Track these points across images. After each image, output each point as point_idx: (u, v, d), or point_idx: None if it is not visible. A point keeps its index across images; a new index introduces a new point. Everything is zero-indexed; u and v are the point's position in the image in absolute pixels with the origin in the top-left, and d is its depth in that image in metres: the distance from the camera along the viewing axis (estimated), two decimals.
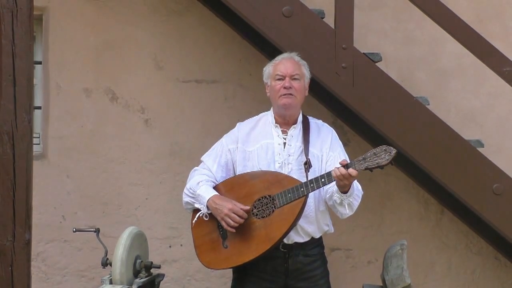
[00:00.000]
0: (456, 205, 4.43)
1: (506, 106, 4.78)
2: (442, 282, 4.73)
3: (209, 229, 3.37)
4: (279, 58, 3.47)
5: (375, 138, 4.23)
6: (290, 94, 3.35)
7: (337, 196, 3.25)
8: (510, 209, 3.95)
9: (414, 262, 4.39)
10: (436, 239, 4.80)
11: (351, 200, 3.26)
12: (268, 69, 3.46)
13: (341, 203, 3.27)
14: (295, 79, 3.37)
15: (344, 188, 3.19)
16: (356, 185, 3.27)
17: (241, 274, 3.43)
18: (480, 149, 4.04)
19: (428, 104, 4.09)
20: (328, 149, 3.43)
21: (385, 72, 4.01)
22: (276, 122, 3.45)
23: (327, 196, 3.34)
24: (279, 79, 3.37)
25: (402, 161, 4.20)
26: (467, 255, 4.81)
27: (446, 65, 4.81)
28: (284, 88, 3.34)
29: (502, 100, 4.76)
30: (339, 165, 3.14)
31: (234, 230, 3.26)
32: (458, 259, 4.81)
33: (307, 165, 3.31)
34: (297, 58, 3.45)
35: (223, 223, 3.28)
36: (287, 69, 3.38)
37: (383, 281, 3.85)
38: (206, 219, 3.37)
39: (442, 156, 3.95)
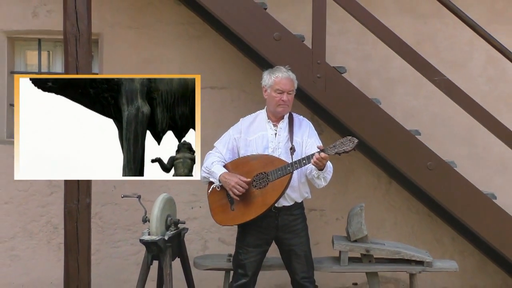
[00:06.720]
0: (400, 177, 4.43)
1: (437, 105, 4.76)
2: (389, 234, 4.73)
3: (220, 197, 3.39)
4: (279, 75, 3.38)
5: (342, 129, 4.22)
6: (286, 105, 3.36)
7: (315, 172, 3.27)
8: (439, 181, 3.97)
9: (369, 219, 4.37)
10: (385, 202, 4.80)
11: (325, 175, 3.28)
12: (270, 80, 3.39)
13: (318, 177, 3.29)
14: (289, 94, 3.37)
15: (321, 167, 3.19)
16: (329, 163, 3.28)
17: (244, 228, 3.45)
18: (418, 137, 4.04)
19: (380, 104, 4.08)
20: (307, 137, 3.44)
21: (349, 80, 4.00)
22: (268, 118, 3.45)
23: (307, 171, 3.35)
24: (279, 93, 3.35)
25: (362, 146, 4.19)
26: (408, 214, 4.81)
27: (394, 75, 4.79)
28: (282, 100, 3.34)
29: (434, 101, 4.74)
30: (317, 150, 3.16)
31: (238, 198, 3.28)
32: (401, 217, 4.81)
33: (292, 150, 3.33)
34: (292, 75, 3.41)
35: (231, 193, 3.29)
36: (286, 86, 3.35)
37: (347, 233, 3.87)
38: (218, 189, 3.38)
39: (390, 142, 3.95)
